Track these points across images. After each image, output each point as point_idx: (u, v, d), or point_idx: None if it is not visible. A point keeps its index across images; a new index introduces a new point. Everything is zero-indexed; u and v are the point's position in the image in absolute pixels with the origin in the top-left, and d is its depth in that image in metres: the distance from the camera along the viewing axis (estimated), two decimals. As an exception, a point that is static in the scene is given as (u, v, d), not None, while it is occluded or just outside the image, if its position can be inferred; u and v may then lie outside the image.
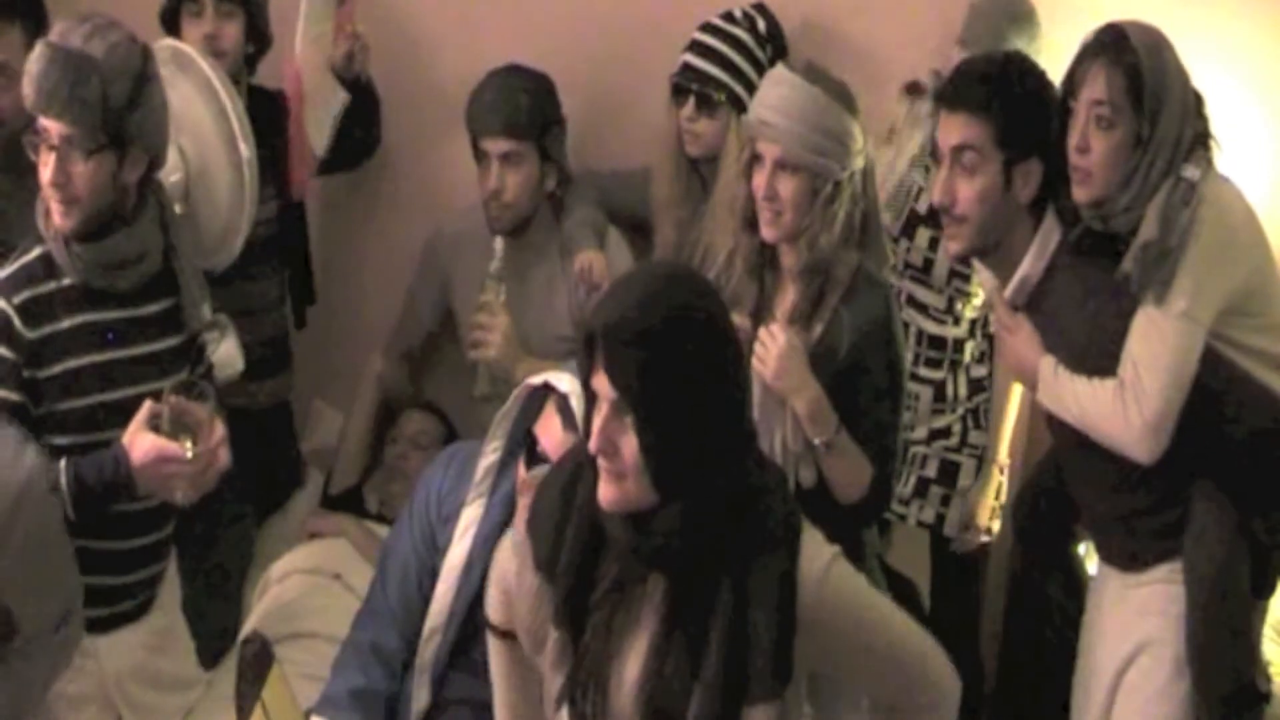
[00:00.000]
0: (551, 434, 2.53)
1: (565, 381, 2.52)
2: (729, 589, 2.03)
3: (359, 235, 3.98)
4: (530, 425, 2.61)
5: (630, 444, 1.98)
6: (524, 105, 3.36)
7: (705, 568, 2.04)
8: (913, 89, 3.39)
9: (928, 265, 3.34)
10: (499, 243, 3.41)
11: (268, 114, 3.51)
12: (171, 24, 3.41)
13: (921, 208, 3.35)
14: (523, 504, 2.53)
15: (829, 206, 2.74)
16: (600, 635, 2.11)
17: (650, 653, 2.08)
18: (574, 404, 2.47)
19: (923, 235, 3.33)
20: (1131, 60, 2.60)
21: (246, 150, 3.07)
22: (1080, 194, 2.66)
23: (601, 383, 1.98)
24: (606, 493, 2.01)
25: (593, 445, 1.99)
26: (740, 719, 2.03)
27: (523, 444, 2.62)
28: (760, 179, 2.74)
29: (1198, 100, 2.68)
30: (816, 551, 2.09)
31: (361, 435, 3.78)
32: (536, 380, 2.60)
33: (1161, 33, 2.65)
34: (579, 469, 2.10)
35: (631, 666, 2.10)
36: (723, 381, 2.01)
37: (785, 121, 2.71)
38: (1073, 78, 2.67)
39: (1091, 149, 2.63)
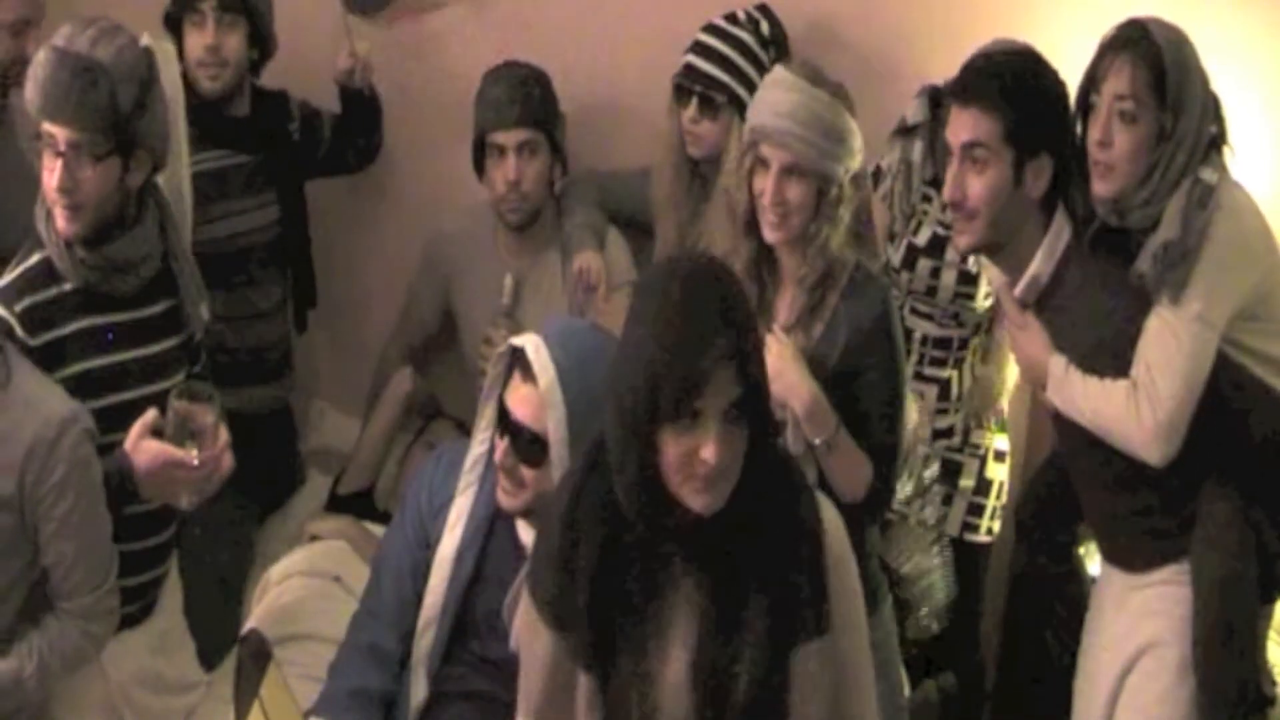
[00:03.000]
0: (515, 392, 2.52)
1: (523, 338, 2.51)
2: (761, 550, 2.08)
3: (359, 238, 3.97)
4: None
5: (740, 448, 2.02)
6: (536, 95, 3.40)
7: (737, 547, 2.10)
8: (904, 130, 3.29)
9: (931, 290, 3.32)
10: (508, 280, 3.44)
11: (270, 116, 3.51)
12: (175, 30, 3.39)
13: (919, 241, 3.32)
14: (502, 478, 2.54)
15: (836, 208, 2.74)
16: (635, 659, 2.11)
17: (699, 637, 2.09)
18: (530, 354, 2.46)
19: (924, 265, 3.29)
20: (1155, 54, 2.62)
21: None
22: (1101, 189, 2.66)
23: (718, 400, 1.98)
24: (705, 501, 2.03)
25: (713, 458, 1.98)
26: (788, 668, 2.07)
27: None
28: (767, 184, 2.72)
29: (1215, 102, 2.69)
30: (834, 515, 2.17)
31: (380, 446, 3.76)
32: (502, 348, 2.59)
33: (1181, 29, 2.66)
34: (573, 506, 2.11)
35: (675, 666, 2.11)
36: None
37: (794, 127, 2.69)
38: (1094, 72, 2.67)
39: (1114, 143, 2.65)
